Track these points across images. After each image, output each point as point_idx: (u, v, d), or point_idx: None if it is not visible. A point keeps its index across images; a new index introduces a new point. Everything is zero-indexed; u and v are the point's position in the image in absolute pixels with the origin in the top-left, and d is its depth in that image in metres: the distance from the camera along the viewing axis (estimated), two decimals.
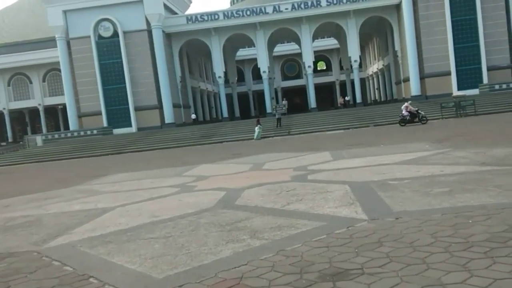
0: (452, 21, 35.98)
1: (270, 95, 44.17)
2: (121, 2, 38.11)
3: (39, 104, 49.74)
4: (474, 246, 3.68)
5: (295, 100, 60.48)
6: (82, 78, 39.10)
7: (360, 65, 45.48)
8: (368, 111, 33.47)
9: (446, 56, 36.42)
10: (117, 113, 38.94)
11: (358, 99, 42.56)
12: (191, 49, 46.19)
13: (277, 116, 31.13)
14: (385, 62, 47.03)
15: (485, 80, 35.88)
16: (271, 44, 45.29)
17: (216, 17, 39.90)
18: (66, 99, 39.98)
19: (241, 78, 59.15)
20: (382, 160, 10.13)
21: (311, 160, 11.96)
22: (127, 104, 38.69)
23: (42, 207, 8.56)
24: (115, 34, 38.32)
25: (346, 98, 45.56)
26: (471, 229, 4.18)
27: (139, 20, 38.27)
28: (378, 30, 46.29)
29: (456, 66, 36.40)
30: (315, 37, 44.13)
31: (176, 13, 43.05)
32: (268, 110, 41.73)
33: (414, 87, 37.07)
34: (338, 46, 51.46)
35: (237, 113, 49.74)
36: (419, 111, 24.14)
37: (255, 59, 44.66)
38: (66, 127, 45.36)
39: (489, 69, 36.03)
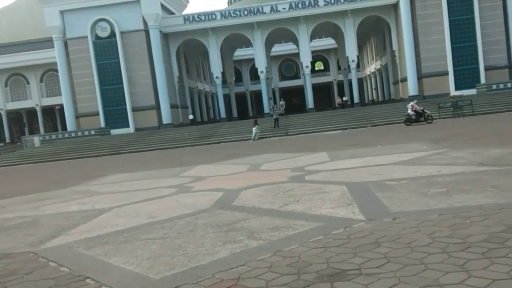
0: (450, 21, 35.99)
1: (267, 96, 44.11)
2: (118, 2, 38.04)
3: (37, 105, 49.58)
4: (471, 247, 3.68)
5: (293, 100, 60.39)
6: (80, 79, 39.05)
7: (358, 65, 45.58)
8: (365, 111, 33.47)
9: (443, 56, 36.45)
10: (115, 113, 38.87)
11: (356, 99, 42.66)
12: (188, 49, 46.16)
13: (274, 117, 31.03)
14: (382, 62, 47.08)
15: (483, 80, 35.92)
16: (268, 44, 45.32)
17: (214, 17, 39.88)
18: (64, 99, 39.88)
19: (238, 79, 59.10)
20: (379, 160, 10.12)
21: (308, 160, 11.95)
22: (125, 104, 38.63)
23: (39, 208, 8.53)
24: (112, 34, 38.24)
25: (344, 98, 45.56)
26: (468, 229, 4.17)
27: (136, 20, 38.20)
28: (375, 30, 46.34)
29: (454, 66, 36.45)
30: (312, 37, 44.19)
31: (173, 13, 43.01)
32: (266, 110, 41.71)
33: (411, 87, 37.08)
34: (335, 46, 51.54)
35: (235, 113, 49.66)
36: (425, 110, 24.12)
37: (253, 59, 44.71)
38: (64, 127, 45.25)
39: (486, 69, 36.08)
